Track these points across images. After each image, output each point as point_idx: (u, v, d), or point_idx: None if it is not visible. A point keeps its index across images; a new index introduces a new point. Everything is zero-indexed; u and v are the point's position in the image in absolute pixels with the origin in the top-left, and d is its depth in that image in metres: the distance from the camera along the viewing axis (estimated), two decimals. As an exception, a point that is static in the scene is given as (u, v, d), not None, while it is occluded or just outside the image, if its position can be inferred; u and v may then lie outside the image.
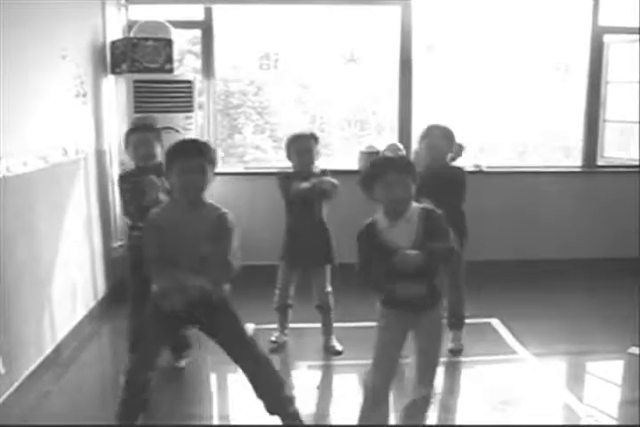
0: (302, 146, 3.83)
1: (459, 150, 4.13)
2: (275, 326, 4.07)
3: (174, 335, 2.90)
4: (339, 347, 3.99)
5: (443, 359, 3.78)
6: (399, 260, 2.46)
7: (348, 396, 3.49)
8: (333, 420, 3.24)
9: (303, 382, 3.63)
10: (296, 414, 2.91)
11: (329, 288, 3.99)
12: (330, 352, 3.97)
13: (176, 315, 2.69)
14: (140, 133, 3.73)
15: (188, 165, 2.64)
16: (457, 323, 3.95)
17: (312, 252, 3.89)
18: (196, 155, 2.67)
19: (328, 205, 3.90)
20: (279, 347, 3.97)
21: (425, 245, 2.53)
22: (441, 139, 3.76)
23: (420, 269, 2.49)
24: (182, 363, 3.72)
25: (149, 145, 3.68)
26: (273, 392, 2.86)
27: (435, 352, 2.70)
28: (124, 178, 3.77)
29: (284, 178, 3.84)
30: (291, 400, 2.92)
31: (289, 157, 3.89)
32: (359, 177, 2.64)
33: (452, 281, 3.79)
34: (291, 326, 4.15)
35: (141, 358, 2.82)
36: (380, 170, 2.56)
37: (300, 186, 3.70)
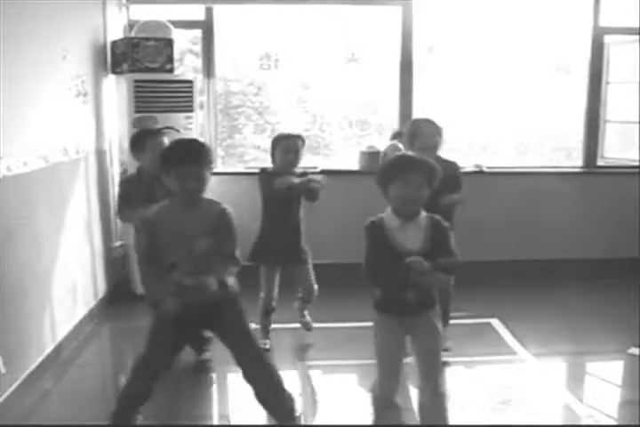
0: (290, 145, 3.82)
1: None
2: (276, 325, 4.07)
3: (183, 344, 2.88)
4: (311, 323, 4.14)
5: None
6: (412, 267, 2.43)
7: (347, 395, 3.50)
8: (331, 420, 3.24)
9: (302, 382, 3.63)
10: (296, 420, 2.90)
11: (316, 286, 4.05)
12: (306, 328, 4.13)
13: (180, 320, 2.66)
14: (160, 137, 3.70)
15: (187, 172, 2.62)
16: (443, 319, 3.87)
17: (289, 252, 3.90)
18: (193, 162, 2.64)
19: (307, 207, 3.92)
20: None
21: (431, 252, 2.52)
22: (434, 137, 3.68)
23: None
24: (206, 355, 3.72)
25: None
26: (273, 400, 2.84)
27: (436, 352, 2.69)
28: (123, 183, 3.80)
29: (266, 174, 3.84)
30: (292, 410, 2.88)
31: (273, 155, 3.87)
32: (377, 176, 2.61)
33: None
34: (289, 326, 4.17)
35: (145, 371, 2.77)
36: (400, 168, 2.55)
37: (285, 179, 3.70)
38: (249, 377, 2.81)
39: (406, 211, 2.56)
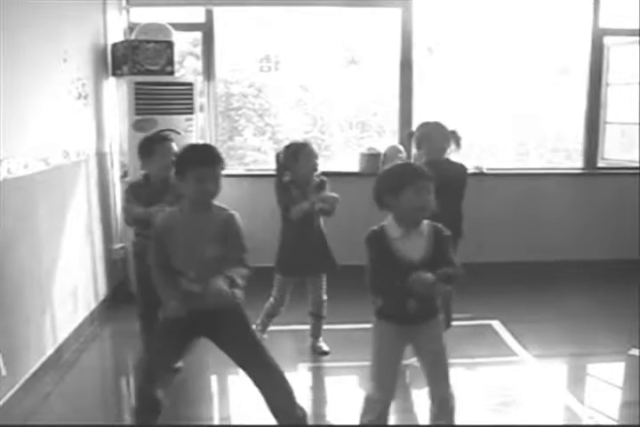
0: (312, 151, 3.80)
1: (457, 140, 3.87)
2: (277, 327, 4.07)
3: (185, 349, 2.85)
4: (325, 348, 4.01)
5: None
6: (416, 283, 2.41)
7: (346, 397, 3.50)
8: (331, 421, 3.25)
9: (303, 384, 3.63)
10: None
11: (325, 297, 4.01)
12: (317, 353, 4.00)
13: (184, 326, 2.66)
14: (169, 143, 3.67)
15: (206, 173, 2.64)
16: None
17: (311, 262, 3.87)
18: (211, 163, 2.67)
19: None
20: None
21: (433, 262, 2.51)
22: (443, 141, 3.68)
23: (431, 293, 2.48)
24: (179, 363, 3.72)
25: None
26: (283, 406, 2.79)
27: (442, 357, 2.65)
28: (131, 189, 3.73)
29: (282, 187, 3.80)
30: (303, 417, 2.85)
31: (294, 163, 3.79)
32: (380, 184, 2.56)
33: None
34: (290, 328, 4.17)
35: (150, 374, 2.74)
36: (411, 176, 2.52)
37: (300, 208, 3.69)
38: (262, 389, 2.78)
39: (418, 218, 2.53)
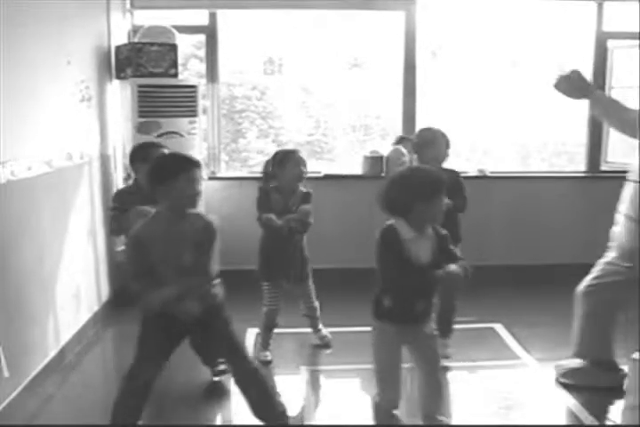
0: (300, 158, 3.82)
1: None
2: (277, 330, 4.07)
3: (173, 349, 2.91)
4: (329, 335, 4.13)
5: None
6: (448, 278, 2.53)
7: (349, 400, 3.50)
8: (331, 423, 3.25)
9: (302, 386, 3.63)
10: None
11: (316, 303, 4.05)
12: (323, 342, 4.11)
13: (168, 329, 2.78)
14: (162, 150, 3.66)
15: (195, 175, 2.72)
16: (447, 329, 3.87)
17: (293, 269, 3.90)
18: (198, 166, 2.77)
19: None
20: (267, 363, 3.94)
21: (439, 262, 2.59)
22: (446, 148, 3.70)
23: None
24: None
25: None
26: (263, 404, 2.90)
27: (436, 363, 2.77)
28: (120, 195, 3.73)
29: (265, 194, 3.83)
30: (282, 414, 2.94)
31: (281, 170, 3.80)
32: (409, 191, 2.56)
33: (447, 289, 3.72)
34: (290, 330, 4.17)
35: (138, 382, 2.84)
36: (440, 183, 2.58)
37: (271, 218, 3.72)
38: (239, 384, 2.92)
39: (439, 222, 2.63)
